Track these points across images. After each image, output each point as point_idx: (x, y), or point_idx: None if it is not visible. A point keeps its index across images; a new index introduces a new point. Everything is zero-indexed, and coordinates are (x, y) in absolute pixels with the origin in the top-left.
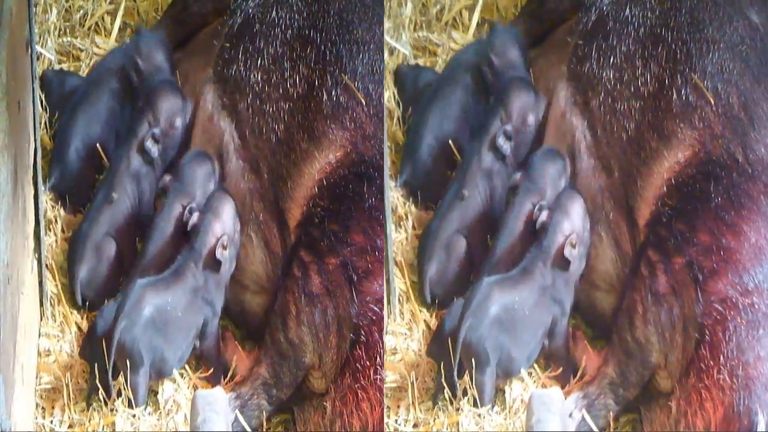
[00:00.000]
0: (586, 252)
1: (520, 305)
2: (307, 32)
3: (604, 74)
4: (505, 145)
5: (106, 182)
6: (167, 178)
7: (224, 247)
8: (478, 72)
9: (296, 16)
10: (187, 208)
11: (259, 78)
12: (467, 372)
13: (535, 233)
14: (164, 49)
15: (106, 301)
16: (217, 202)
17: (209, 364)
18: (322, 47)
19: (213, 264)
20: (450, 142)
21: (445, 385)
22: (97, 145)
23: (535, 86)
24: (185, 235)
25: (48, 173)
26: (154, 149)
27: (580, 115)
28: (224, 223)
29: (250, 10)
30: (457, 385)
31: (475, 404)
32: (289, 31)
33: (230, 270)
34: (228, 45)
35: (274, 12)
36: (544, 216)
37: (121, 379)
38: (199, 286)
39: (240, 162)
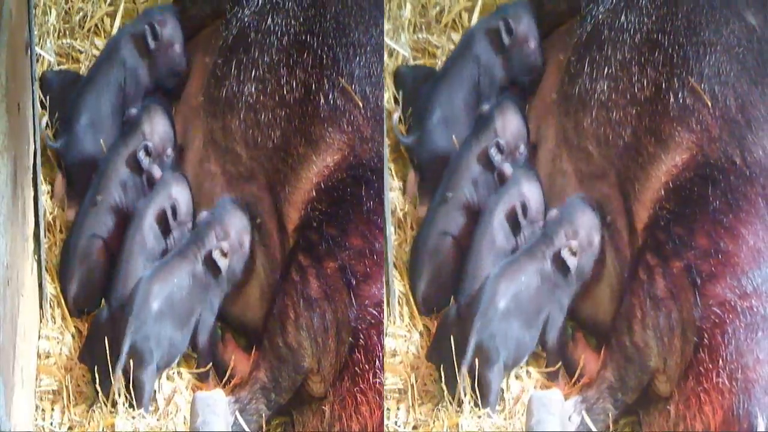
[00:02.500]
0: (593, 262)
1: (526, 287)
2: (303, 37)
3: (598, 86)
4: (497, 157)
5: (92, 186)
6: (157, 171)
7: (224, 254)
8: (493, 39)
9: (292, 21)
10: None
11: (253, 89)
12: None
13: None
14: (177, 19)
15: (102, 302)
16: (228, 210)
17: (204, 362)
18: (319, 51)
19: (213, 265)
20: (453, 137)
21: (445, 389)
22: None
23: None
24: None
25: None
26: (145, 161)
27: (567, 157)
28: (234, 227)
29: (246, 19)
30: (458, 388)
31: (475, 405)
32: (285, 38)
33: (232, 279)
34: (221, 61)
35: (269, 19)
36: (552, 214)
37: (122, 381)
38: (199, 274)
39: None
